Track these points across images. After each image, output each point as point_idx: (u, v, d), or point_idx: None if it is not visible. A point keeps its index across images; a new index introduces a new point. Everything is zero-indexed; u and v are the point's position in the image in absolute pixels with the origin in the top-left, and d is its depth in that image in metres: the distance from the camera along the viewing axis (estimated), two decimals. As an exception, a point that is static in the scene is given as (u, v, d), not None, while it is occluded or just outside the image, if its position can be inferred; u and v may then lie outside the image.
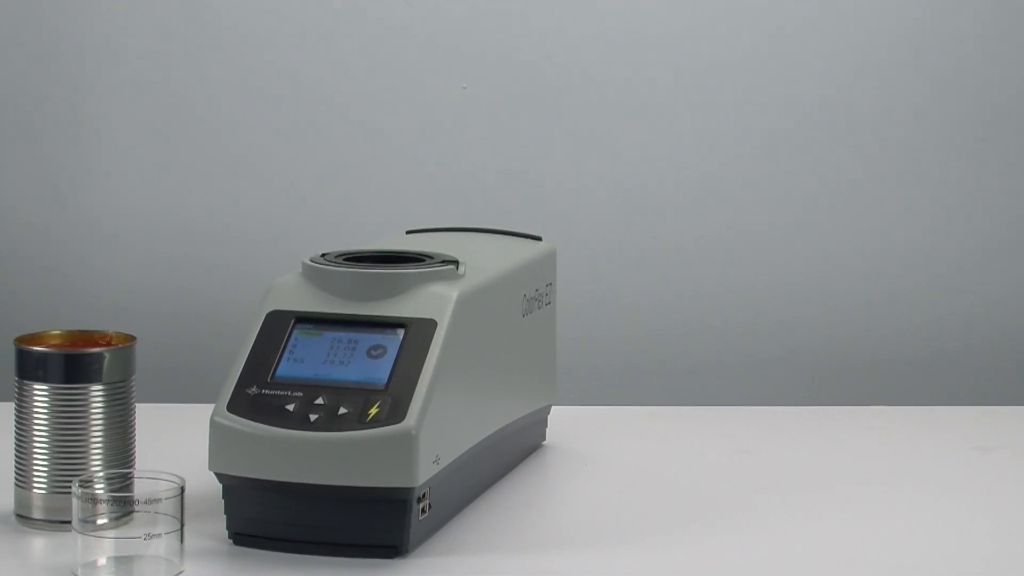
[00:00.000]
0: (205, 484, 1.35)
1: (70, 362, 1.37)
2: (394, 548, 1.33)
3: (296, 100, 1.96)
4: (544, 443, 1.68)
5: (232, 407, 1.33)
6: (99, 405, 1.38)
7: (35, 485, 1.38)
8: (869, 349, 1.99)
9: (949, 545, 1.40)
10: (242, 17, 1.94)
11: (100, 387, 1.38)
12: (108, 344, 1.41)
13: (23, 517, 1.39)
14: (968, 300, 1.99)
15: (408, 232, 1.68)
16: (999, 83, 1.96)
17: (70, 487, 1.30)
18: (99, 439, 1.38)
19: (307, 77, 1.96)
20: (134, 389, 1.41)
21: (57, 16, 1.94)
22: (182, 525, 1.29)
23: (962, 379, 1.99)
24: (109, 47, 1.95)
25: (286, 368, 1.35)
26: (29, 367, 1.38)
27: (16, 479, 1.40)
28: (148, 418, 1.46)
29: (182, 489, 1.29)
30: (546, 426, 1.68)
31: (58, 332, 1.43)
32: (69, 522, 1.30)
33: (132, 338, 1.41)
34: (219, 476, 1.34)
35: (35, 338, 1.41)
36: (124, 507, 1.33)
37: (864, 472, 1.61)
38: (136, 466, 1.40)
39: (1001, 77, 1.96)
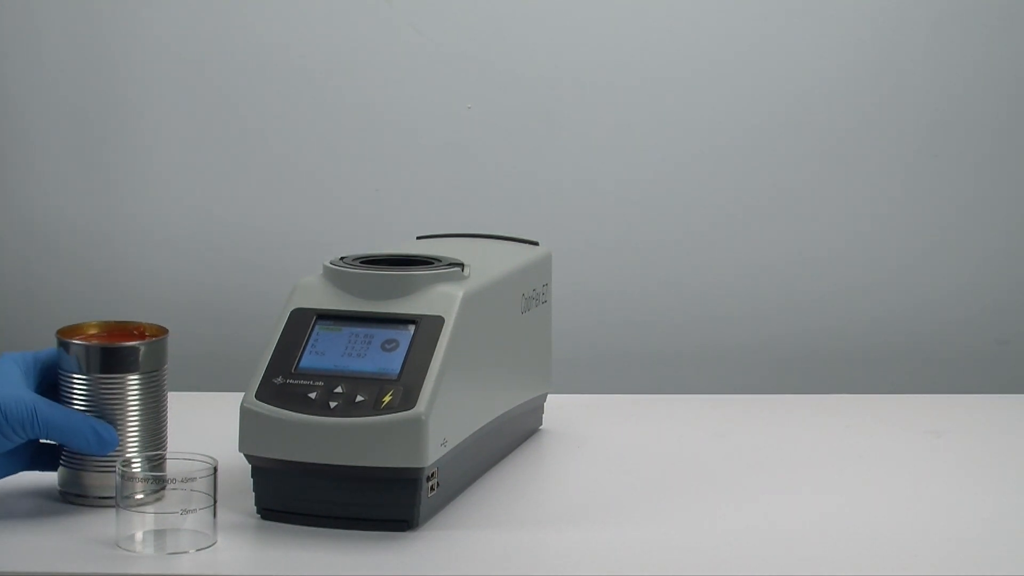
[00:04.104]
0: (235, 464, 1.35)
1: (108, 354, 1.35)
2: (405, 522, 1.33)
3: (321, 120, 1.94)
4: (541, 427, 1.68)
5: (260, 395, 1.33)
6: (135, 392, 1.36)
7: (79, 465, 1.36)
8: (832, 342, 1.97)
9: (906, 516, 1.40)
10: (273, 47, 1.93)
11: (136, 376, 1.35)
12: (143, 336, 1.39)
13: (68, 494, 1.37)
14: (918, 296, 1.97)
15: (419, 237, 1.68)
16: (950, 101, 1.94)
17: (112, 467, 1.29)
18: (135, 423, 1.36)
19: (332, 100, 1.94)
20: (167, 377, 1.39)
21: (109, 38, 1.92)
22: (215, 501, 1.29)
23: (916, 369, 1.97)
24: (153, 69, 1.93)
25: (309, 360, 1.35)
26: (71, 358, 1.35)
27: (62, 460, 1.38)
28: (186, 405, 1.46)
29: (215, 469, 1.29)
30: (543, 412, 1.68)
31: (96, 324, 1.40)
32: (111, 498, 1.29)
33: (165, 330, 1.39)
34: (248, 457, 1.34)
35: (75, 330, 1.38)
36: (162, 485, 1.32)
37: (828, 454, 1.61)
38: (169, 448, 1.39)
39: (950, 97, 1.94)
